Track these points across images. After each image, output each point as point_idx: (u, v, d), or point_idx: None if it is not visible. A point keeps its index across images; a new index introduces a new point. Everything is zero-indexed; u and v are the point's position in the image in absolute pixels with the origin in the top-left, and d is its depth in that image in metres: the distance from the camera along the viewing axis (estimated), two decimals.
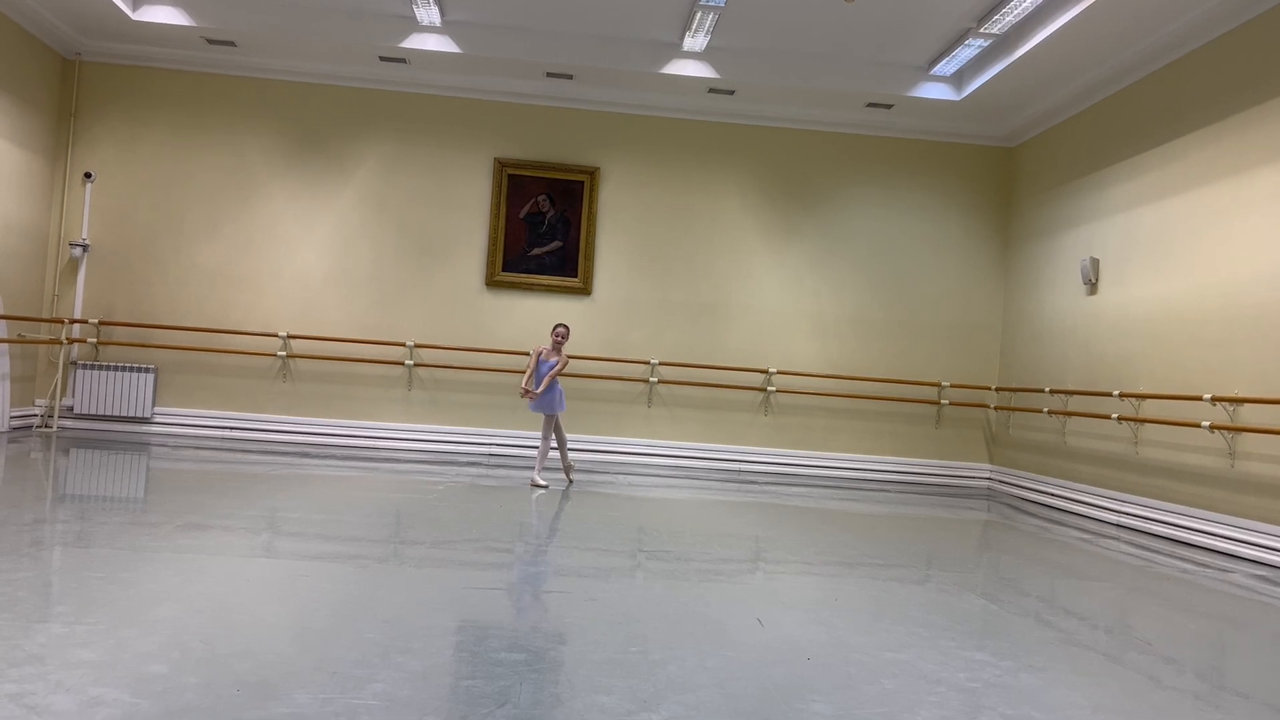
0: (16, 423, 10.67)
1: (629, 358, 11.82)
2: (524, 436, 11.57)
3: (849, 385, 12.11)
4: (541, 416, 9.19)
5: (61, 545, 5.27)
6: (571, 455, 9.90)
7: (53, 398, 11.05)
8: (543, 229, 11.91)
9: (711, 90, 11.55)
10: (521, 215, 11.87)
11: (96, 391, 11.10)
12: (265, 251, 11.60)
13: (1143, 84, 9.57)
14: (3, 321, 10.23)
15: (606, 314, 11.92)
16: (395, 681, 3.29)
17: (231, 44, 11.09)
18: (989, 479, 12.20)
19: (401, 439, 11.58)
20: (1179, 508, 8.47)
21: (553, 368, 8.93)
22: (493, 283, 11.79)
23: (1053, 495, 10.54)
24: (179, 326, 11.34)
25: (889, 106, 11.69)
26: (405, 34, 10.76)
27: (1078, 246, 10.54)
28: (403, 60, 11.24)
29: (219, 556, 5.14)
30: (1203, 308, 8.40)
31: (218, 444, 10.80)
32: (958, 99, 11.23)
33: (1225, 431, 7.88)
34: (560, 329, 9.11)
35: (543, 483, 8.99)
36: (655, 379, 11.89)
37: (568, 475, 9.50)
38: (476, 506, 7.71)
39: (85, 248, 11.30)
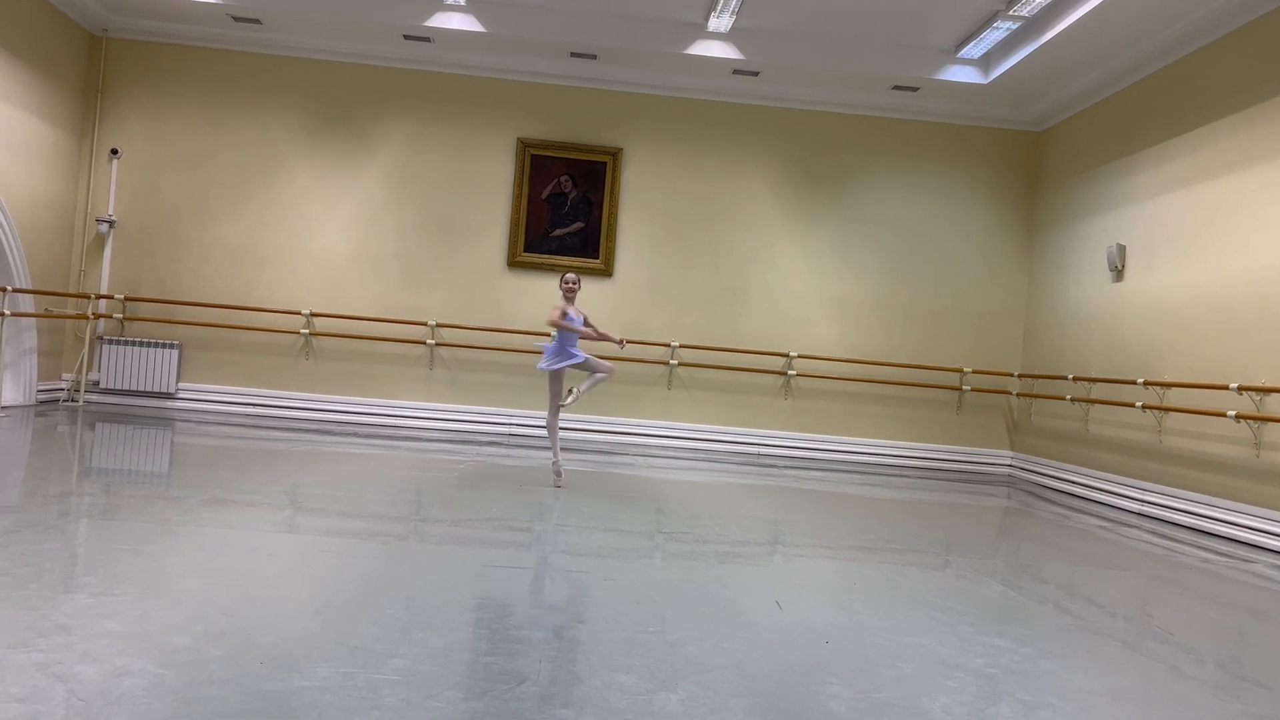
0: (44, 396, 10.80)
1: (649, 339, 11.79)
2: (544, 417, 11.58)
3: (870, 370, 12.04)
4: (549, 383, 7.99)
5: (88, 518, 5.35)
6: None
7: (79, 372, 11.18)
8: (565, 210, 11.89)
9: (736, 71, 11.46)
10: (544, 196, 11.86)
11: (122, 367, 11.22)
12: (289, 229, 11.65)
13: (1173, 69, 9.41)
14: (30, 296, 10.34)
15: (628, 295, 11.89)
16: (416, 657, 3.32)
17: (257, 21, 11.10)
18: (1010, 466, 12.13)
19: (423, 418, 11.63)
20: (1202, 497, 8.39)
21: (584, 322, 7.79)
22: (514, 263, 11.79)
23: (1074, 483, 10.46)
24: (203, 303, 11.42)
25: (915, 89, 11.57)
26: (430, 12, 10.73)
27: (1104, 233, 10.42)
28: (427, 39, 11.21)
29: (242, 531, 5.20)
30: (1230, 296, 8.29)
31: (241, 420, 10.90)
32: (985, 82, 11.09)
33: (1251, 421, 7.78)
34: (569, 276, 7.82)
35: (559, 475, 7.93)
36: (675, 361, 11.88)
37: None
38: (497, 486, 7.75)
39: (111, 224, 11.38)
